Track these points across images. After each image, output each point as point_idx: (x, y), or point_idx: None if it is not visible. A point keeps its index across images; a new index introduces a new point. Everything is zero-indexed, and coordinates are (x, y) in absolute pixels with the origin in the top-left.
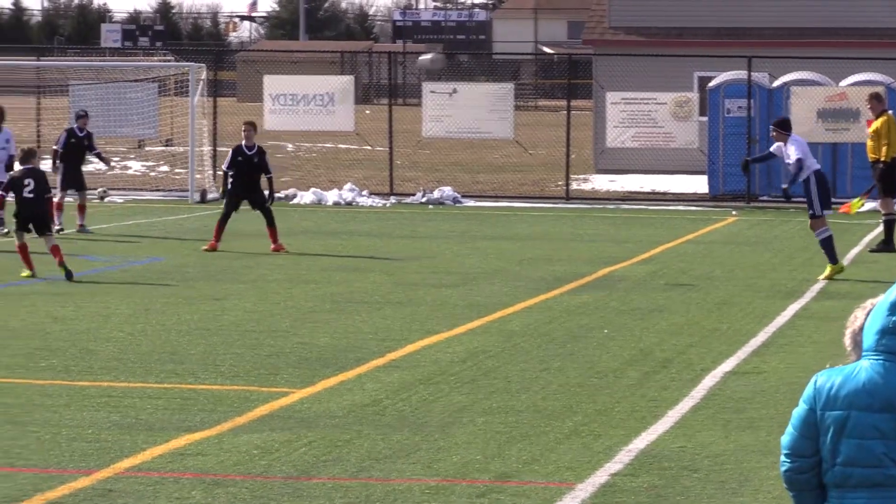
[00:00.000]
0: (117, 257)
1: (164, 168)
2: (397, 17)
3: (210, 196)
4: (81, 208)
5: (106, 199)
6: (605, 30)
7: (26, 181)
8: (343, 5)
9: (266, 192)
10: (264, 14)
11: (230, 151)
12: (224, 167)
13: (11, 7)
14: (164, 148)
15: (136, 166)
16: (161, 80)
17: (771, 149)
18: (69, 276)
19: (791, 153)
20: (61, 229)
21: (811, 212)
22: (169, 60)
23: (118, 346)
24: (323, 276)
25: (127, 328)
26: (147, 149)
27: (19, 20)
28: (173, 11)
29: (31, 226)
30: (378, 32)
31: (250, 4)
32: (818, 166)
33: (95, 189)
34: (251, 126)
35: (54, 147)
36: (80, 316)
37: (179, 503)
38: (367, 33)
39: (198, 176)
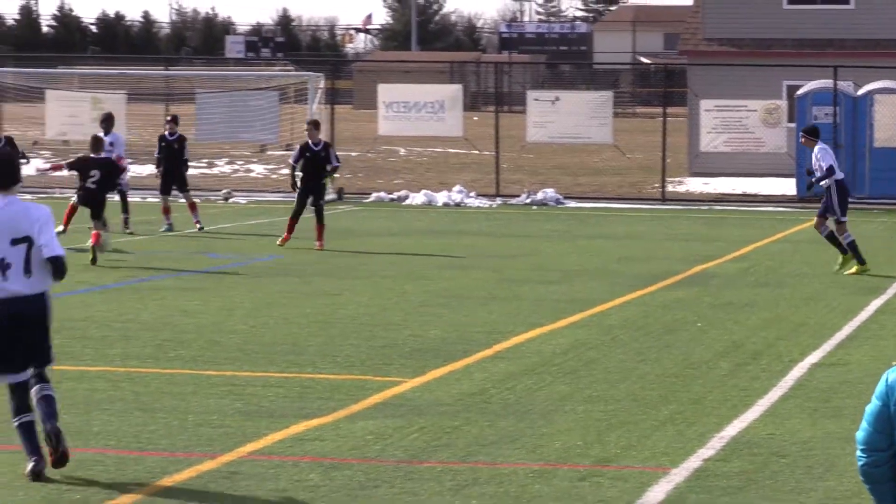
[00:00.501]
0: (241, 254)
1: (285, 171)
2: (504, 29)
3: (327, 197)
4: (192, 207)
5: (230, 200)
6: (700, 41)
7: (92, 172)
8: (452, 18)
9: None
10: (378, 26)
11: (297, 148)
12: (291, 161)
13: (142, 20)
14: (284, 152)
15: (258, 169)
16: (281, 89)
17: (819, 162)
18: (94, 261)
19: (821, 159)
20: (169, 228)
21: (836, 217)
22: (289, 70)
23: (242, 337)
24: (433, 272)
25: (250, 321)
26: (269, 153)
27: (149, 31)
28: (293, 24)
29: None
30: (485, 44)
31: (366, 17)
32: (842, 176)
33: (220, 191)
34: (313, 125)
35: (156, 155)
36: (207, 309)
37: (299, 485)
38: (474, 44)
39: None
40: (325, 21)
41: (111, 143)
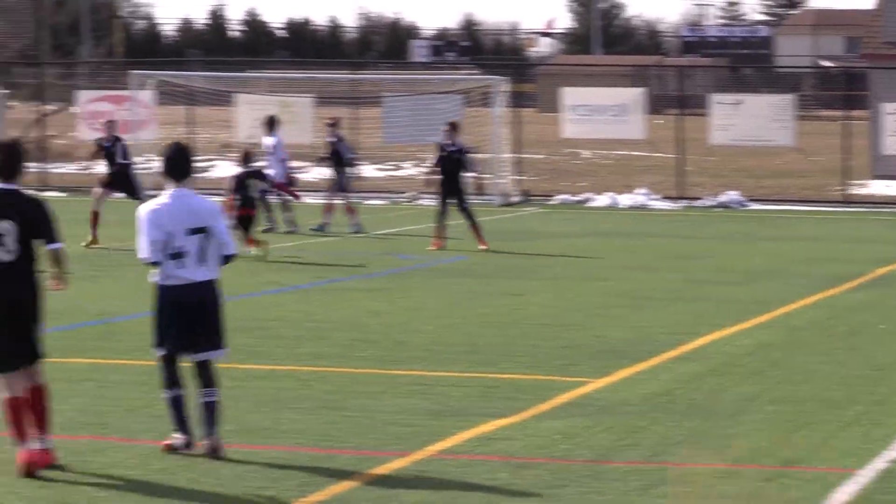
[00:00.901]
0: (426, 256)
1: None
2: (686, 32)
3: (513, 199)
4: (349, 210)
5: (416, 202)
6: (880, 44)
7: (250, 182)
8: (635, 22)
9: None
10: (562, 30)
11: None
12: (431, 164)
13: (328, 24)
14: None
15: None
16: (466, 92)
17: None
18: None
19: None
20: (358, 228)
21: None
22: (473, 74)
23: (428, 337)
24: (616, 273)
25: (435, 321)
26: None
27: (335, 36)
28: (477, 28)
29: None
30: (667, 47)
31: (548, 21)
32: None
33: (406, 193)
34: (451, 126)
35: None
36: (394, 310)
37: (487, 483)
38: (656, 48)
39: (501, 181)
40: (509, 25)
41: (273, 146)
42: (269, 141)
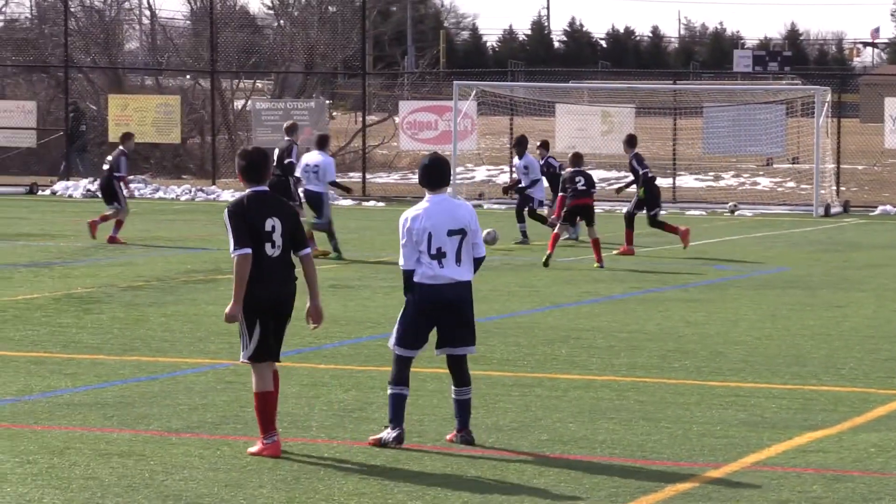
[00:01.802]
0: (745, 266)
1: (791, 184)
2: None
3: (833, 210)
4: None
5: (736, 213)
6: None
7: (578, 178)
8: None
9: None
10: (886, 40)
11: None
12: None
13: (650, 34)
14: (790, 165)
15: (764, 182)
16: (788, 102)
17: None
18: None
19: None
20: (576, 236)
21: None
22: (796, 84)
23: (746, 349)
24: None
25: (754, 332)
26: (774, 166)
27: (657, 46)
28: (801, 38)
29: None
30: None
31: (873, 31)
32: None
33: (727, 204)
34: (627, 140)
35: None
36: (711, 321)
37: (801, 496)
38: None
39: (822, 191)
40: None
41: (525, 167)
42: (521, 161)
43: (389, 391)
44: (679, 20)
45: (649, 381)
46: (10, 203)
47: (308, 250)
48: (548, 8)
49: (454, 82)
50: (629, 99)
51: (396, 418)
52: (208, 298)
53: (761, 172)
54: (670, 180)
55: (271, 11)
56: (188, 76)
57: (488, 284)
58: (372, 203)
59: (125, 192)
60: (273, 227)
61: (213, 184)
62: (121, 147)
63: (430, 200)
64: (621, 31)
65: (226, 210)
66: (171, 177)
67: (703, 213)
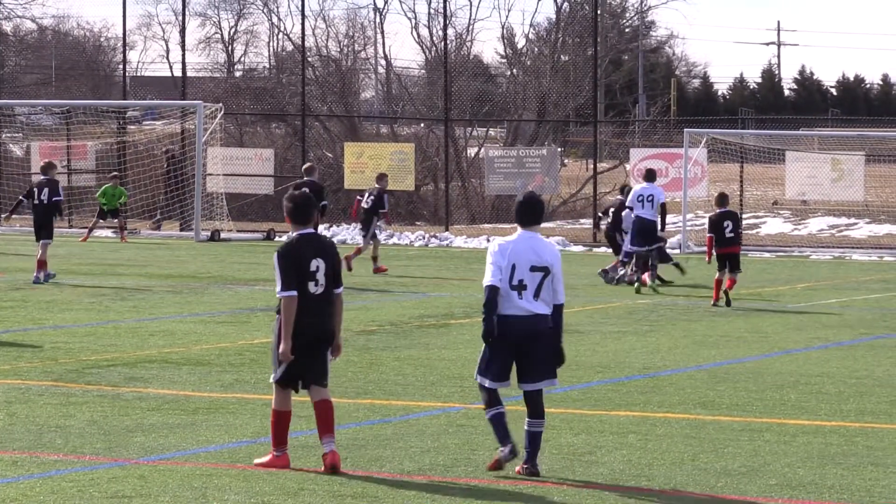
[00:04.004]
0: None
1: None
2: None
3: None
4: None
5: None
6: None
7: (726, 223)
8: None
9: None
10: None
11: None
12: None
13: (880, 82)
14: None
15: None
16: None
17: None
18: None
19: None
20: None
21: None
22: None
23: None
24: None
25: None
26: None
27: (887, 94)
28: None
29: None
30: None
31: None
32: None
33: None
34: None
35: None
36: None
37: None
38: None
39: None
40: None
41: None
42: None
43: (487, 415)
44: None
45: (878, 427)
46: (249, 248)
47: (341, 288)
48: (778, 56)
49: (685, 130)
50: (859, 146)
51: (503, 437)
52: (441, 343)
53: None
54: None
55: (504, 60)
56: (422, 124)
57: (718, 330)
58: (602, 249)
59: (380, 227)
60: (317, 266)
61: (447, 230)
62: (378, 185)
63: (520, 235)
64: (851, 78)
65: (275, 252)
66: (405, 223)
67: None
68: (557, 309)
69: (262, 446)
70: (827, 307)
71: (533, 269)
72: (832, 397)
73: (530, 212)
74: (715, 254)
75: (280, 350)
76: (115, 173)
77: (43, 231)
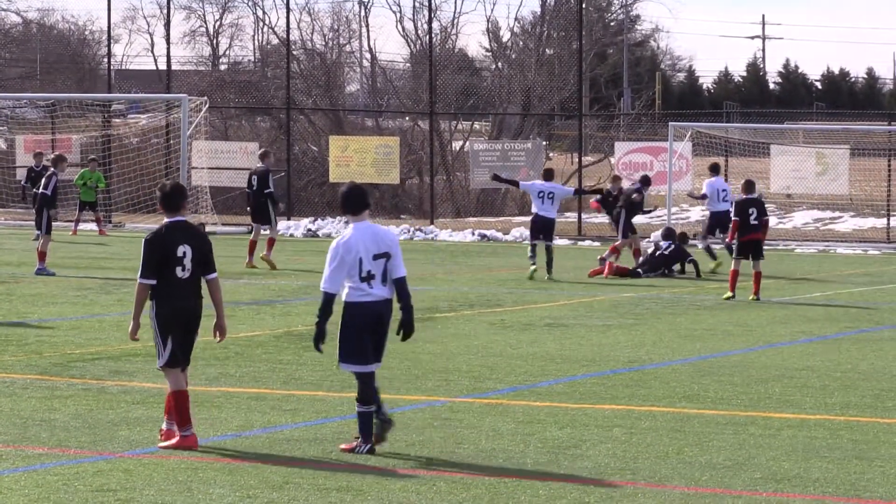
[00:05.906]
0: None
1: None
2: None
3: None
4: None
5: None
6: None
7: (750, 210)
8: None
9: None
10: None
11: None
12: None
13: (865, 76)
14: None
15: None
16: None
17: None
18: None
19: None
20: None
21: None
22: None
23: None
24: None
25: None
26: None
27: (872, 88)
28: None
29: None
30: None
31: None
32: None
33: None
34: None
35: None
36: None
37: None
38: None
39: None
40: None
41: (705, 195)
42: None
43: (358, 409)
44: (894, 62)
45: (863, 420)
46: (234, 242)
47: (214, 274)
48: (763, 50)
49: (670, 123)
50: (844, 140)
51: (366, 435)
52: (426, 337)
53: None
54: (884, 220)
55: (489, 54)
56: (407, 118)
57: (703, 324)
58: (587, 243)
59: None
60: (184, 252)
61: (432, 223)
62: (262, 164)
63: (356, 227)
64: (836, 72)
65: (143, 239)
66: (389, 216)
67: None
68: (400, 282)
69: (246, 440)
70: (811, 300)
71: (375, 257)
72: (817, 391)
73: (358, 200)
74: (737, 241)
75: (129, 331)
76: (93, 157)
77: (37, 222)
